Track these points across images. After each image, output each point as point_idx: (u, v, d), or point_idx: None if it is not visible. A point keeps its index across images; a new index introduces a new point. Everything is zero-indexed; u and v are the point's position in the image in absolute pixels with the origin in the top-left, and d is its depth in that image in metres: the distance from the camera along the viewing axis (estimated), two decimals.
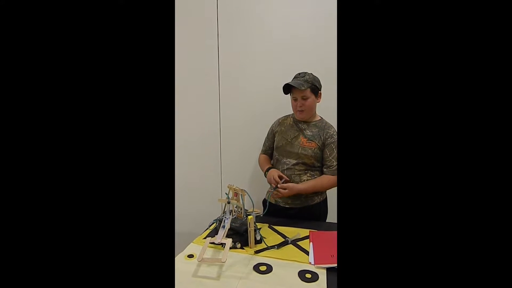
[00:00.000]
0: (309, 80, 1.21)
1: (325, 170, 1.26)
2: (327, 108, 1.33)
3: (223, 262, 0.84)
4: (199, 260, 0.85)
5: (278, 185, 1.20)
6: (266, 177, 1.30)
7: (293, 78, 1.25)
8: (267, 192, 1.37)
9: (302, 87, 1.18)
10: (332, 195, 1.37)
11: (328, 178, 1.24)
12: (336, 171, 1.23)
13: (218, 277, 0.83)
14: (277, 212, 1.27)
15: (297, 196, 1.25)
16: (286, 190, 1.18)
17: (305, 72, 1.24)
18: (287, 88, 1.23)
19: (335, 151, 1.23)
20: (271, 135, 1.39)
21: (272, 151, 1.39)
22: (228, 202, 1.02)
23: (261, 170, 1.39)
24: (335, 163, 1.23)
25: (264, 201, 1.35)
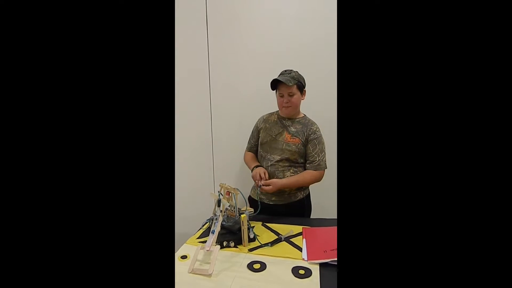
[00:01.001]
0: (295, 77, 1.24)
1: (308, 165, 1.28)
2: (309, 105, 1.37)
3: (209, 274, 0.83)
4: (189, 271, 0.85)
5: (262, 182, 1.20)
6: (252, 170, 1.31)
7: (279, 74, 1.27)
8: (252, 188, 1.38)
9: (290, 83, 1.21)
10: (314, 191, 1.39)
11: (311, 173, 1.26)
12: (318, 166, 1.26)
13: (212, 276, 0.83)
14: (261, 210, 1.25)
15: (281, 192, 1.26)
16: (270, 186, 1.19)
17: (291, 70, 1.27)
18: (274, 84, 1.25)
19: (318, 147, 1.26)
20: (256, 132, 1.40)
21: (257, 148, 1.40)
22: (219, 200, 1.00)
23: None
24: (317, 159, 1.26)
25: (250, 199, 1.36)
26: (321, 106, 1.49)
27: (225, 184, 1.05)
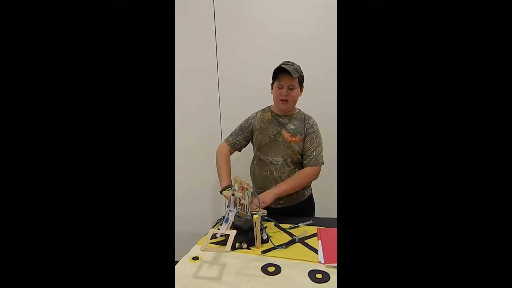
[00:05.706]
0: (298, 70, 1.16)
1: (305, 162, 1.19)
2: (319, 104, 1.38)
3: (227, 252, 0.80)
4: (202, 249, 0.82)
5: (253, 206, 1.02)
6: (221, 193, 1.10)
7: (281, 64, 1.14)
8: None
9: (294, 75, 1.11)
10: (315, 189, 1.35)
11: (311, 170, 1.17)
12: (316, 161, 1.18)
13: (225, 279, 0.79)
14: (269, 214, 1.16)
15: (289, 194, 1.19)
16: (261, 204, 1.01)
17: (293, 62, 1.17)
18: (276, 74, 1.15)
19: (316, 141, 1.19)
20: (248, 130, 1.26)
21: (241, 146, 1.29)
22: (233, 194, 0.96)
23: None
24: (315, 153, 1.18)
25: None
26: (330, 104, 1.46)
27: (238, 177, 1.00)
